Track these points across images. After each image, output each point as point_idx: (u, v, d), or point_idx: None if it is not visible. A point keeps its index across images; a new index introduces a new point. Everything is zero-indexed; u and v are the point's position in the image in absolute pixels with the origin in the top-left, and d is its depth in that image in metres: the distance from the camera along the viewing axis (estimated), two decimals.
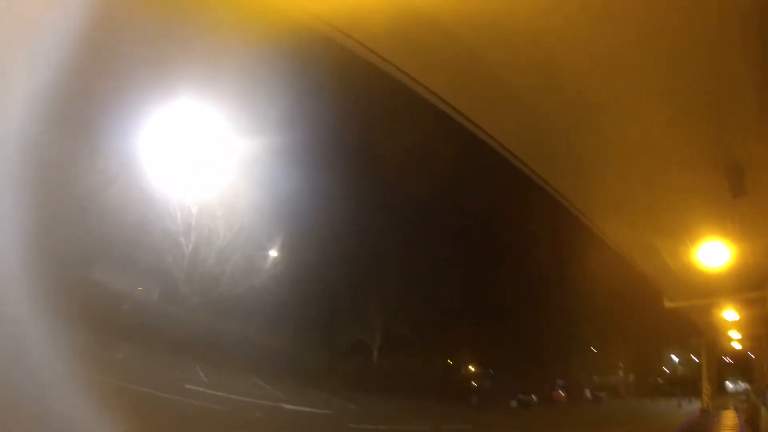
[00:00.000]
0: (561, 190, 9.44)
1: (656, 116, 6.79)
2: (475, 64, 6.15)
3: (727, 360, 34.85)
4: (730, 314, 17.14)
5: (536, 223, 24.92)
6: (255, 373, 18.01)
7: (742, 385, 35.69)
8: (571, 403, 29.64)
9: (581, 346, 32.42)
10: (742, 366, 35.45)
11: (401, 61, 6.48)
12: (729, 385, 41.10)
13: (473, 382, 29.83)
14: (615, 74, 6.10)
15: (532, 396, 27.62)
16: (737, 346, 26.18)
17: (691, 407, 26.93)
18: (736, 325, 19.46)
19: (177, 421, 8.68)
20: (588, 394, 33.62)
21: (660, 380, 40.58)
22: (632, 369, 38.49)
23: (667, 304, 16.97)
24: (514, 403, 26.63)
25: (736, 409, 22.13)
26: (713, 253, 10.19)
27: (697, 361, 30.46)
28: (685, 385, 34.12)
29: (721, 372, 35.65)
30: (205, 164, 21.58)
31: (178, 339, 17.34)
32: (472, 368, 31.20)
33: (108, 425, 5.09)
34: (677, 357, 39.79)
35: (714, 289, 13.91)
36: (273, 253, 23.48)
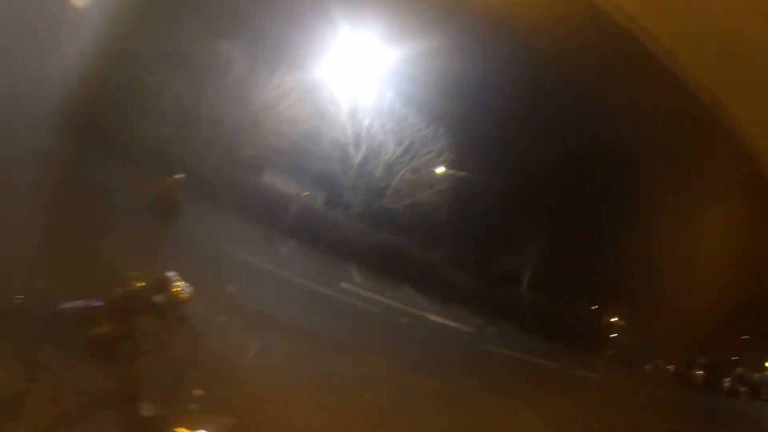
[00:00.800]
0: None
1: None
2: None
3: None
4: None
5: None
6: (406, 282, 19.03)
7: None
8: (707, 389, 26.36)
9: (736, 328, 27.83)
10: None
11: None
12: None
13: (610, 334, 27.90)
14: None
15: (668, 366, 25.72)
16: None
17: None
18: None
19: (328, 313, 9.48)
20: (726, 383, 28.54)
21: None
22: None
23: None
24: (648, 367, 25.29)
25: None
26: None
27: None
28: None
29: None
30: (378, 81, 22.27)
31: (337, 241, 19.09)
32: (613, 320, 29.07)
33: None
34: None
35: None
36: (440, 171, 23.72)
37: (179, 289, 4.13)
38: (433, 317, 14.34)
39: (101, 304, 3.63)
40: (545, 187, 25.70)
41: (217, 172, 21.70)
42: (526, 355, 13.43)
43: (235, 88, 25.70)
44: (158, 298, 4.07)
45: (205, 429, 3.76)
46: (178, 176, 8.99)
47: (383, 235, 21.32)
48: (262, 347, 5.72)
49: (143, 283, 4.00)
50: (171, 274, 4.26)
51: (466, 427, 7.49)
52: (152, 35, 25.67)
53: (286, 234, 16.86)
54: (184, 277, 6.89)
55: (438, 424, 7.02)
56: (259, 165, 27.84)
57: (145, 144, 23.15)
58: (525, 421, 8.66)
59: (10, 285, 4.13)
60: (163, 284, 4.12)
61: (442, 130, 22.81)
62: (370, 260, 18.59)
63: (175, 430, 3.71)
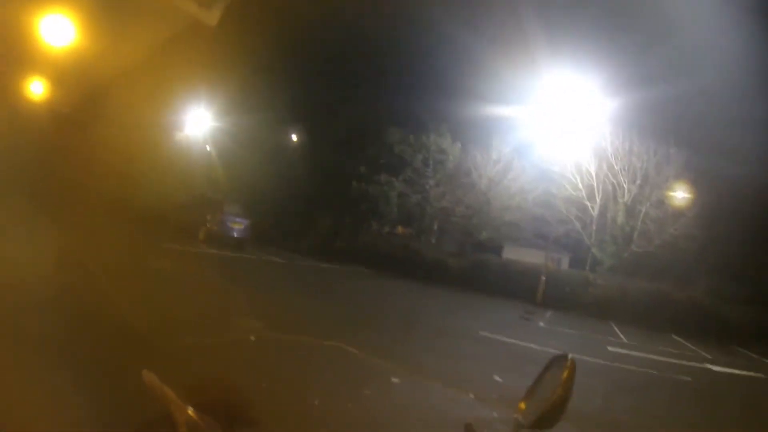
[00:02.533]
0: None
1: None
2: None
3: None
4: None
5: None
6: (675, 330, 17.88)
7: None
8: None
9: None
10: None
11: None
12: None
13: None
14: None
15: None
16: None
17: None
18: None
19: (610, 384, 9.12)
20: None
21: None
22: None
23: None
24: None
25: None
26: None
27: None
28: None
29: None
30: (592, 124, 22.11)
31: (593, 302, 19.11)
32: None
33: None
34: None
35: None
36: (683, 197, 22.08)
37: None
38: (715, 368, 13.06)
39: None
40: None
41: (461, 260, 23.72)
42: None
43: (457, 174, 28.04)
44: None
45: None
46: None
47: (641, 283, 20.40)
48: None
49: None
50: None
51: None
52: (362, 140, 29.72)
53: (540, 306, 17.39)
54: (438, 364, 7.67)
55: None
56: (499, 244, 29.15)
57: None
58: None
59: None
60: None
61: (672, 152, 21.56)
62: (632, 315, 18.09)
63: None
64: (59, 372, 3.95)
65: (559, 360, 1.33)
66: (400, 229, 33.45)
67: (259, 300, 10.38)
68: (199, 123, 28.34)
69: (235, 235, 20.75)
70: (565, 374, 1.24)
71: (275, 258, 20.39)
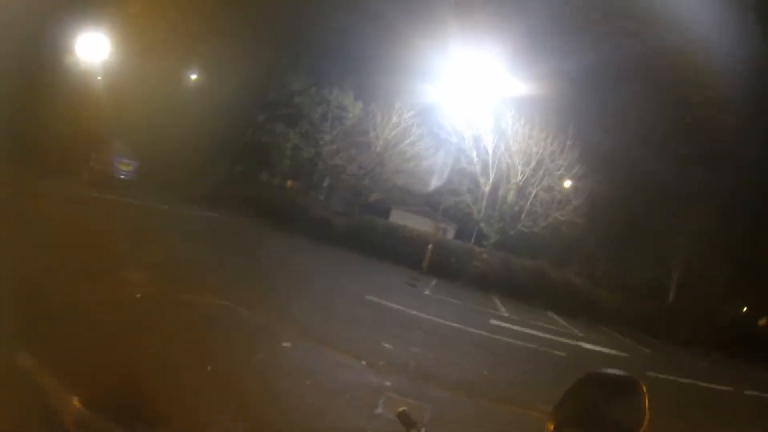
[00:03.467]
0: None
1: None
2: None
3: None
4: None
5: None
6: (552, 308, 18.66)
7: None
8: None
9: None
10: None
11: None
12: None
13: None
14: None
15: None
16: None
17: None
18: None
19: (487, 356, 9.37)
20: None
21: None
22: None
23: None
24: None
25: None
26: None
27: None
28: None
29: None
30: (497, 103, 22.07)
31: (477, 275, 19.20)
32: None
33: None
34: None
35: None
36: (571, 186, 22.83)
37: None
38: (586, 345, 13.69)
39: None
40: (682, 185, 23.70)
41: (348, 220, 22.93)
42: (695, 380, 12.23)
43: (354, 132, 27.23)
44: None
45: None
46: None
47: (522, 261, 20.91)
48: (433, 410, 5.68)
49: None
50: None
51: None
52: (265, 89, 28.20)
53: (424, 274, 17.12)
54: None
55: None
56: (387, 207, 29.02)
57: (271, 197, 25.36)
58: None
59: None
60: None
61: (568, 143, 22.17)
62: (513, 290, 18.33)
63: None
64: None
65: (610, 382, 1.20)
66: (289, 183, 32.63)
67: (142, 250, 9.67)
68: (93, 49, 24.90)
69: (122, 177, 19.50)
70: (645, 403, 1.13)
71: (161, 205, 19.07)
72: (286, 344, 6.32)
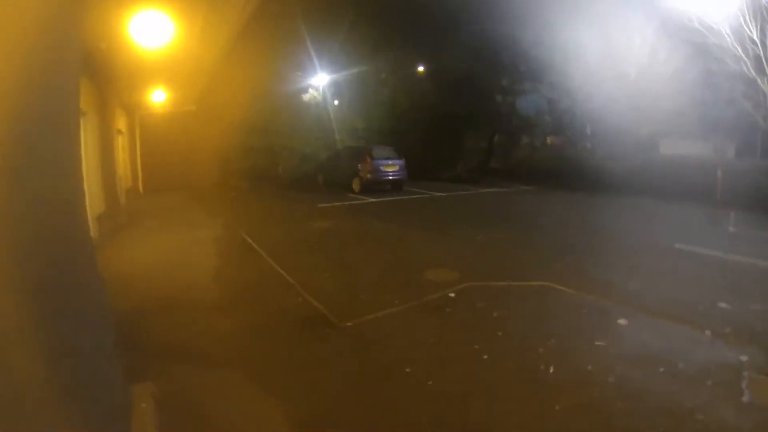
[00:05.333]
0: None
1: None
2: None
3: None
4: None
5: None
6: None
7: None
8: None
9: None
10: None
11: None
12: None
13: None
14: None
15: None
16: None
17: None
18: None
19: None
20: None
21: None
22: None
23: None
24: None
25: None
26: None
27: None
28: None
29: None
30: None
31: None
32: None
33: None
34: None
35: None
36: None
37: None
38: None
39: None
40: None
41: (619, 164, 22.38)
42: None
43: (599, 68, 25.33)
44: None
45: None
46: None
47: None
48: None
49: None
50: None
51: None
52: (497, 55, 27.32)
53: (719, 206, 14.93)
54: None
55: None
56: (655, 140, 26.95)
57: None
58: None
59: None
60: None
61: None
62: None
63: None
64: None
65: None
66: (548, 140, 31.72)
67: (438, 244, 10.63)
68: (319, 82, 28.92)
69: (391, 177, 20.83)
70: None
71: (435, 192, 20.38)
72: (621, 321, 6.11)
